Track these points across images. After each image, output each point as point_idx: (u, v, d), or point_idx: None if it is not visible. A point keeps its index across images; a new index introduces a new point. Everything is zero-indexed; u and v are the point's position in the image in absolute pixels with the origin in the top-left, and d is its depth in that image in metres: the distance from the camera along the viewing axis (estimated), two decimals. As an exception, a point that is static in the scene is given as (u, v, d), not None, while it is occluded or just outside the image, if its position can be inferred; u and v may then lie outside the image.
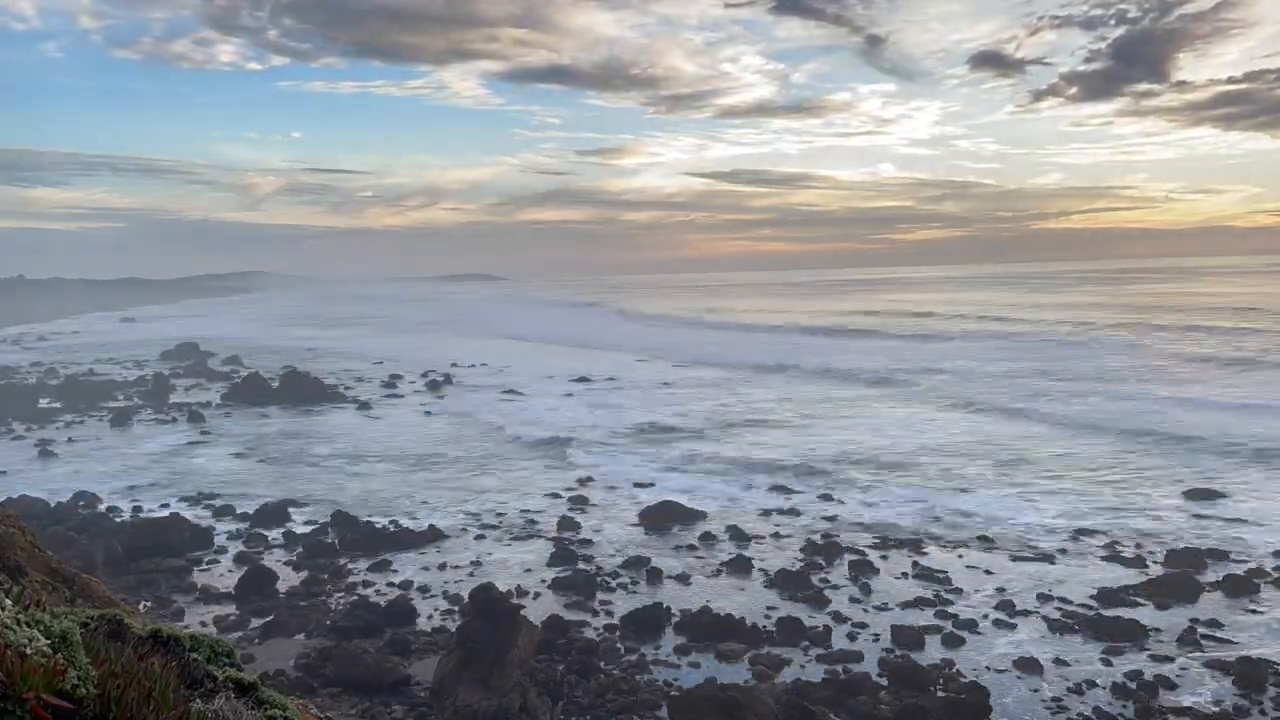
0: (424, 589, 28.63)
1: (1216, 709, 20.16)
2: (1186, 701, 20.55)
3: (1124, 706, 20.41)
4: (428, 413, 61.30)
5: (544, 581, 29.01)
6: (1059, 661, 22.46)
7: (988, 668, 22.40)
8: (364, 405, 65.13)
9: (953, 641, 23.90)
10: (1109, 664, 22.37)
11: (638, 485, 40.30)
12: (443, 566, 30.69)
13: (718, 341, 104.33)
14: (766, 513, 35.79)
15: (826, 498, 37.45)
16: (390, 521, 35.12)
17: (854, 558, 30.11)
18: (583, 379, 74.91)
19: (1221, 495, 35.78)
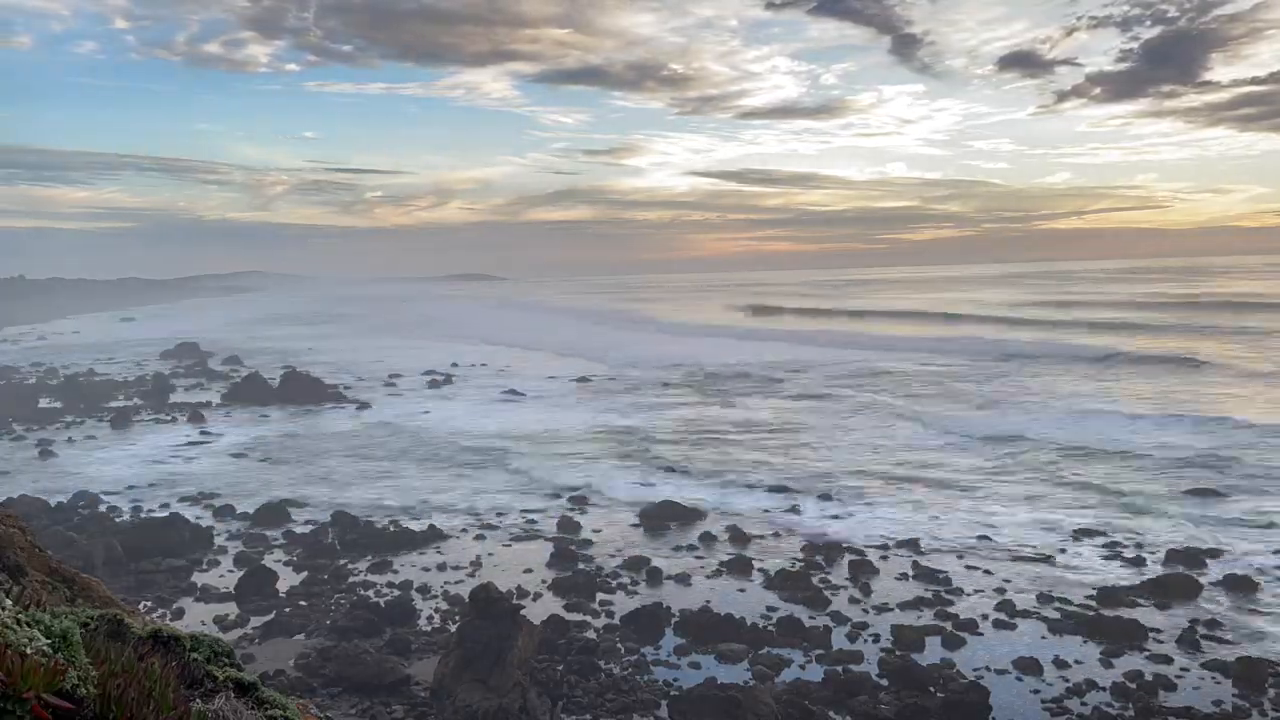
0: (424, 589, 28.63)
1: (1216, 709, 20.16)
2: (1186, 702, 20.55)
3: (1124, 707, 20.40)
4: (426, 412, 61.30)
5: (544, 582, 29.01)
6: (1059, 662, 22.45)
7: (988, 668, 22.39)
8: (364, 405, 65.14)
9: (953, 642, 23.88)
10: (1109, 664, 22.37)
11: (637, 485, 40.33)
12: (443, 566, 30.69)
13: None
14: (767, 512, 35.81)
15: (826, 498, 37.45)
16: (390, 521, 35.13)
17: (854, 558, 30.10)
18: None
19: (1220, 495, 35.76)
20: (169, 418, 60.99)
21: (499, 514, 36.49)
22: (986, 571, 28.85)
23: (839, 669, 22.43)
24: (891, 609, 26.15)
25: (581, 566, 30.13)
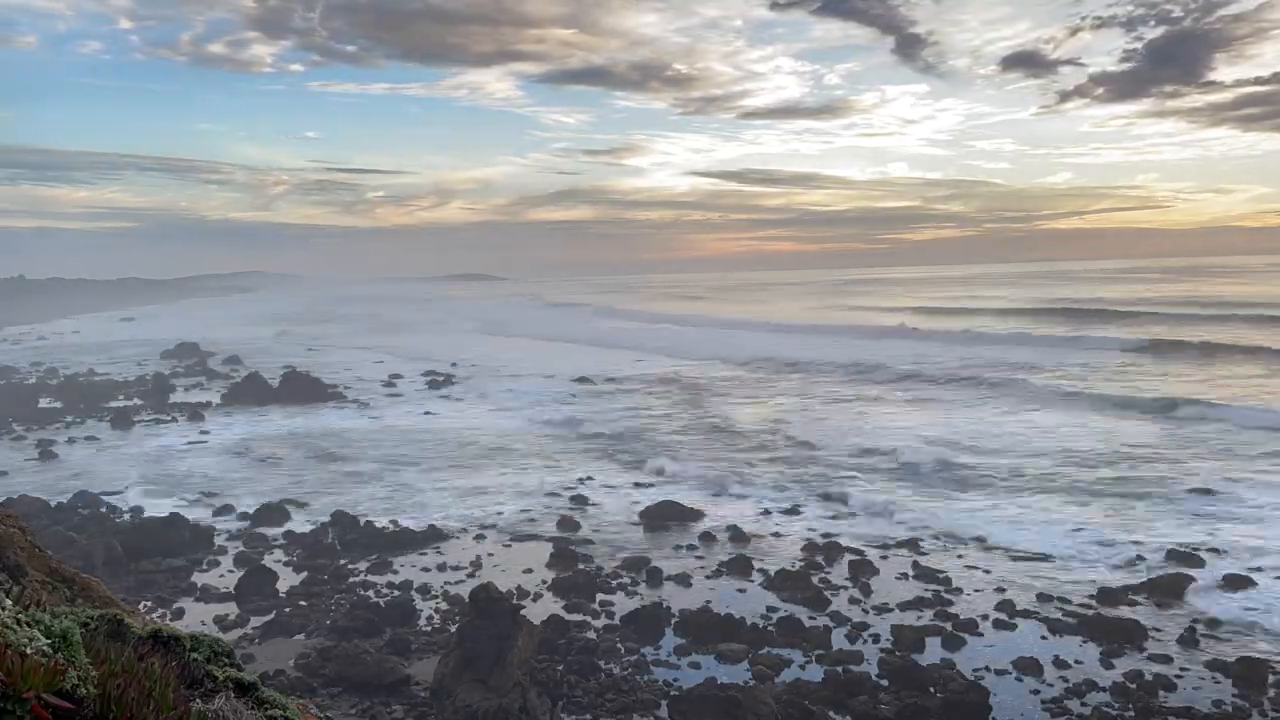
0: (424, 589, 28.63)
1: (1216, 709, 20.16)
2: (1186, 702, 20.55)
3: (1124, 707, 20.40)
4: (427, 413, 61.31)
5: (544, 582, 29.01)
6: (1059, 662, 22.45)
7: (988, 668, 22.38)
8: (364, 405, 65.17)
9: (953, 642, 23.88)
10: (1109, 664, 22.36)
11: (637, 485, 40.36)
12: (443, 567, 30.69)
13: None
14: (767, 512, 35.83)
15: (826, 497, 37.47)
16: (390, 521, 35.13)
17: (854, 558, 30.11)
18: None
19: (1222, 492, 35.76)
20: (169, 418, 60.96)
21: (499, 514, 36.50)
22: (986, 571, 28.85)
23: (839, 669, 22.42)
24: (891, 609, 26.15)
25: (581, 567, 30.14)
